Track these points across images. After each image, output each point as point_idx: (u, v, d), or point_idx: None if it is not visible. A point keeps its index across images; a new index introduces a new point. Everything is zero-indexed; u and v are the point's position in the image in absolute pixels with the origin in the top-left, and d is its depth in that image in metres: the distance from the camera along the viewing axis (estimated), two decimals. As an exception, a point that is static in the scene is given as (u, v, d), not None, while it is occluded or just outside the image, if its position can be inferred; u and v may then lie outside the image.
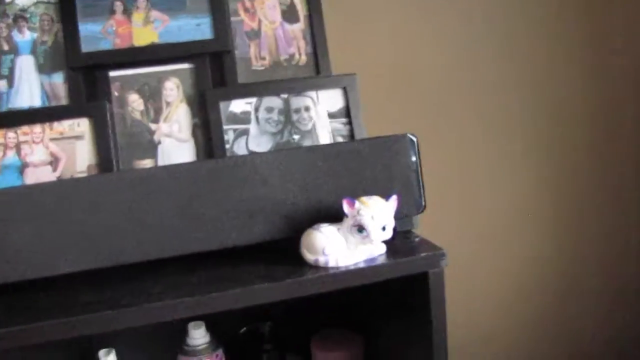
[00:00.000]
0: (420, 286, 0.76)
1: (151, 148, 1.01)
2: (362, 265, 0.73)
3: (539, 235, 1.45)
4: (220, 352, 0.95)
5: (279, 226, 0.76)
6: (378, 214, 0.72)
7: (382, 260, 0.74)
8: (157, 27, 1.03)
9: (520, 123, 1.38)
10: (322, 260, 0.73)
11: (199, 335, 0.94)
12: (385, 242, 0.75)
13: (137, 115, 1.03)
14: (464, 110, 1.34)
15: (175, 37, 1.03)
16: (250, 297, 0.66)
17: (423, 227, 0.85)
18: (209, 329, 0.95)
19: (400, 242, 0.80)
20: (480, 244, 1.40)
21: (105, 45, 1.01)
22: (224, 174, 0.73)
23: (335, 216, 0.75)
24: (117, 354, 0.92)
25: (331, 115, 1.06)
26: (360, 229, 0.72)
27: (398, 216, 0.76)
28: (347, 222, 0.73)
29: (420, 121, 1.24)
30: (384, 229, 0.73)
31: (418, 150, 0.82)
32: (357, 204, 0.73)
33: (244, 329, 0.99)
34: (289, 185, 0.76)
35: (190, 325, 0.94)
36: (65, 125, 0.98)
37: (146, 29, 1.03)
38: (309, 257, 0.74)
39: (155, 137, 1.02)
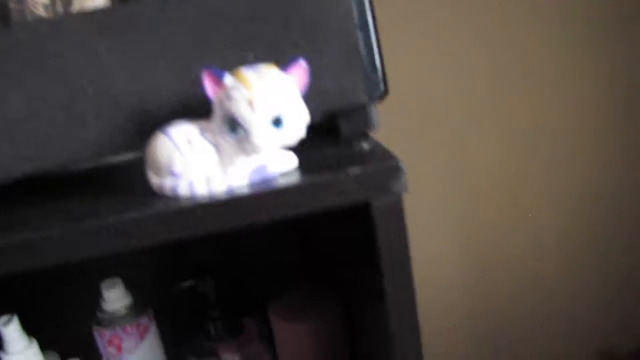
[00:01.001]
0: (363, 224, 0.42)
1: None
2: (237, 193, 0.41)
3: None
4: (146, 319, 0.70)
5: (119, 132, 0.45)
6: (263, 95, 0.39)
7: (280, 182, 0.41)
8: None
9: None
10: (168, 184, 0.42)
11: (115, 298, 0.69)
12: (304, 147, 0.42)
13: (40, 11, 0.77)
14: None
15: None
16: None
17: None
18: (134, 288, 0.69)
19: (335, 148, 0.46)
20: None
21: None
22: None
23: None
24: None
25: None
26: (233, 124, 0.39)
27: (337, 103, 0.42)
28: (216, 116, 0.41)
29: None
30: (277, 123, 0.39)
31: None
32: (227, 79, 0.40)
33: (175, 287, 0.72)
34: (133, 53, 0.44)
35: (104, 285, 0.69)
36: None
37: None
38: (154, 180, 0.44)
39: (65, 39, 0.77)
